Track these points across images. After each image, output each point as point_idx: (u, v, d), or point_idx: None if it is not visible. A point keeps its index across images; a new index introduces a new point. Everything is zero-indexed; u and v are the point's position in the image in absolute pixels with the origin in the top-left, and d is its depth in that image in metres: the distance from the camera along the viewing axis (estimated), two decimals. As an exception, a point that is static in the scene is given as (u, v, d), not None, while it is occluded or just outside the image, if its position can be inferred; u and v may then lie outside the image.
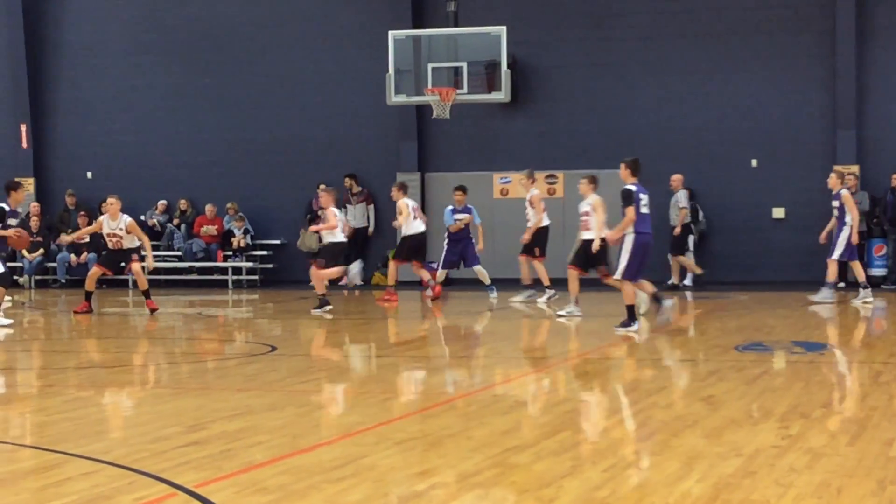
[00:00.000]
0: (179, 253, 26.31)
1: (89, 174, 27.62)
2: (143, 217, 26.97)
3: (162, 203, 26.93)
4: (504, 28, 22.77)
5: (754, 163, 24.39)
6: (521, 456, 7.47)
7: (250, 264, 25.94)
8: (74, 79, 27.50)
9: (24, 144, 27.52)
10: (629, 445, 8.03)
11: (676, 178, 23.10)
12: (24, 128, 27.49)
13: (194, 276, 26.24)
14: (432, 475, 6.97)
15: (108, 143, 27.35)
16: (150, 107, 27.15)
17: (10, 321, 16.83)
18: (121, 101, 27.23)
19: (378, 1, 26.04)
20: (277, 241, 26.22)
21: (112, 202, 18.80)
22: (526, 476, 6.97)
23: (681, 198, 23.09)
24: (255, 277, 26.13)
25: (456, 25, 23.30)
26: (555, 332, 16.49)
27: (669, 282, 23.63)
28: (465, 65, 23.35)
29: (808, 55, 24.27)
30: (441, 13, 23.80)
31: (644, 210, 15.01)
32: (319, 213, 25.86)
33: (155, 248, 26.68)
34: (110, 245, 19.00)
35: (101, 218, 19.25)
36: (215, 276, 25.88)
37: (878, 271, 23.44)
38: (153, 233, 26.84)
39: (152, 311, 18.77)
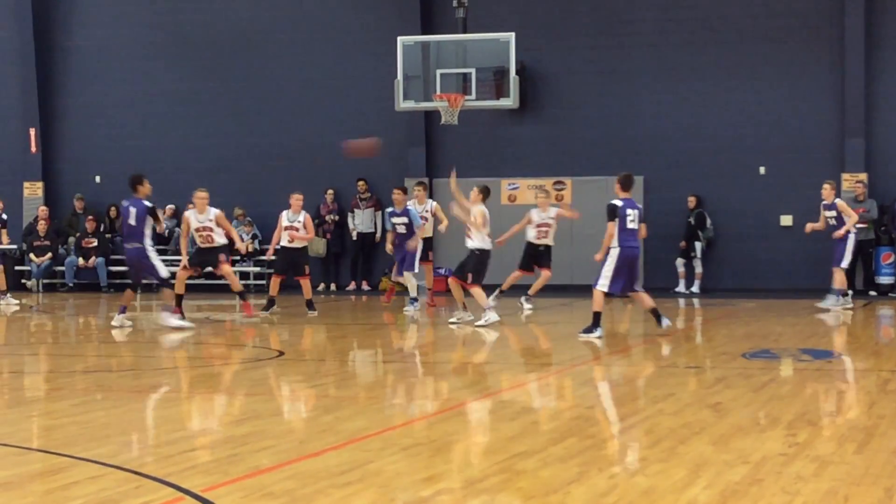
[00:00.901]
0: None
1: (98, 178, 27.67)
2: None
3: (170, 208, 26.95)
4: (513, 34, 22.78)
5: (762, 170, 24.38)
6: (527, 462, 7.46)
7: (258, 269, 25.95)
8: (83, 83, 27.56)
9: (33, 148, 27.58)
10: (636, 452, 8.02)
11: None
12: (33, 132, 27.56)
13: (202, 281, 26.23)
14: (438, 481, 6.97)
15: (117, 147, 27.39)
16: (158, 111, 27.19)
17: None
18: (129, 105, 27.28)
19: (387, 7, 26.07)
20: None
21: (202, 195, 18.32)
22: (532, 482, 6.96)
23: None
24: (263, 282, 26.13)
25: (465, 32, 23.32)
26: (561, 338, 16.47)
27: (680, 289, 23.67)
28: (473, 71, 23.36)
29: (816, 63, 24.25)
30: (450, 19, 23.82)
31: (631, 225, 15.08)
32: (328, 217, 25.92)
33: (162, 252, 26.73)
34: (199, 241, 18.40)
35: (187, 213, 18.65)
36: (223, 281, 25.85)
37: (885, 279, 23.39)
38: (160, 237, 26.86)
39: (248, 316, 18.62)
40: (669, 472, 7.27)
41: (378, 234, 26.00)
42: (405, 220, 19.58)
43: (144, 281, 17.28)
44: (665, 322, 15.47)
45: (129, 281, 18.13)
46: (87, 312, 21.66)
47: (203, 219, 18.23)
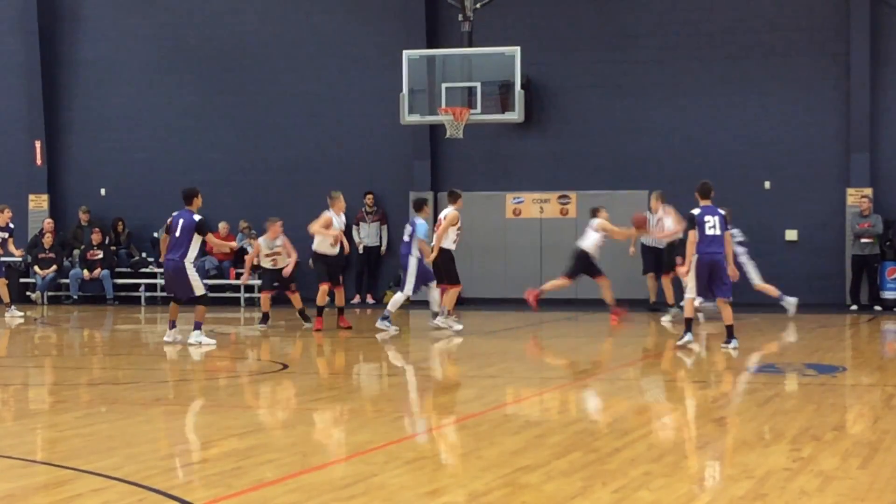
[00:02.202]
0: (192, 270, 26.30)
1: (103, 191, 27.71)
2: (155, 234, 27.05)
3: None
4: (518, 49, 22.78)
5: (767, 185, 24.38)
6: (531, 476, 7.47)
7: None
8: (89, 96, 27.62)
9: (39, 161, 27.63)
10: (640, 466, 8.02)
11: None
12: (38, 145, 27.61)
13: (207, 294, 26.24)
14: (442, 494, 6.97)
15: (122, 160, 27.44)
16: (163, 124, 27.24)
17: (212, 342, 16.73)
18: (135, 118, 27.33)
19: (393, 21, 26.12)
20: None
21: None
22: (536, 496, 6.96)
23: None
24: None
25: (470, 46, 23.35)
26: (565, 352, 16.47)
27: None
28: (478, 85, 23.36)
29: (821, 78, 24.26)
30: (455, 34, 23.86)
31: (710, 232, 15.31)
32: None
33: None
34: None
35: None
36: (228, 294, 25.90)
37: (891, 294, 23.36)
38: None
39: (317, 330, 18.74)
40: (673, 487, 7.27)
41: (384, 248, 26.01)
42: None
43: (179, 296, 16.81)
44: (732, 343, 15.40)
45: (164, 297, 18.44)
46: (92, 325, 21.68)
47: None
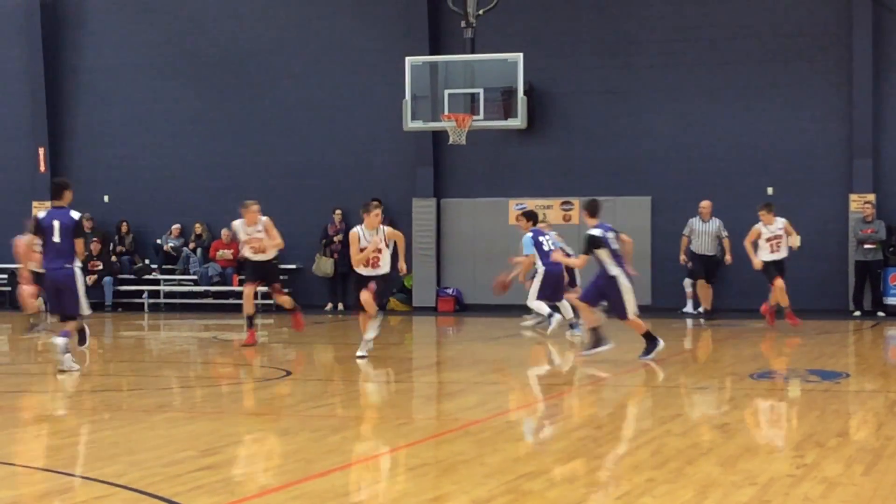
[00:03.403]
0: (195, 277, 26.36)
1: (106, 198, 27.72)
2: (158, 241, 27.08)
3: (176, 227, 27.00)
4: (521, 55, 22.80)
5: (770, 191, 24.34)
6: (534, 483, 7.45)
7: (265, 288, 25.92)
8: (92, 103, 27.64)
9: (42, 168, 27.64)
10: (643, 473, 8.00)
11: (706, 206, 22.33)
12: (42, 151, 27.63)
13: (210, 301, 26.30)
14: (445, 501, 6.96)
15: (125, 166, 27.45)
16: (167, 131, 27.26)
17: None
18: (138, 125, 27.35)
19: (395, 27, 26.14)
20: (293, 266, 26.23)
21: (253, 207, 16.82)
22: (539, 503, 6.95)
23: (720, 227, 22.32)
24: (271, 302, 26.15)
25: (473, 52, 23.36)
26: (568, 358, 16.45)
27: (688, 309, 23.63)
28: (481, 91, 23.37)
29: (824, 83, 24.26)
30: (458, 40, 23.86)
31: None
32: (336, 237, 25.90)
33: (170, 272, 26.79)
34: (249, 254, 16.90)
35: (235, 225, 17.18)
36: (231, 301, 25.90)
37: (893, 300, 23.34)
38: (168, 257, 26.91)
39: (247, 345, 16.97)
40: (677, 493, 7.26)
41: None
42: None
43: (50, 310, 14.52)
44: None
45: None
46: (94, 331, 21.66)
47: (252, 230, 16.76)
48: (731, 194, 24.22)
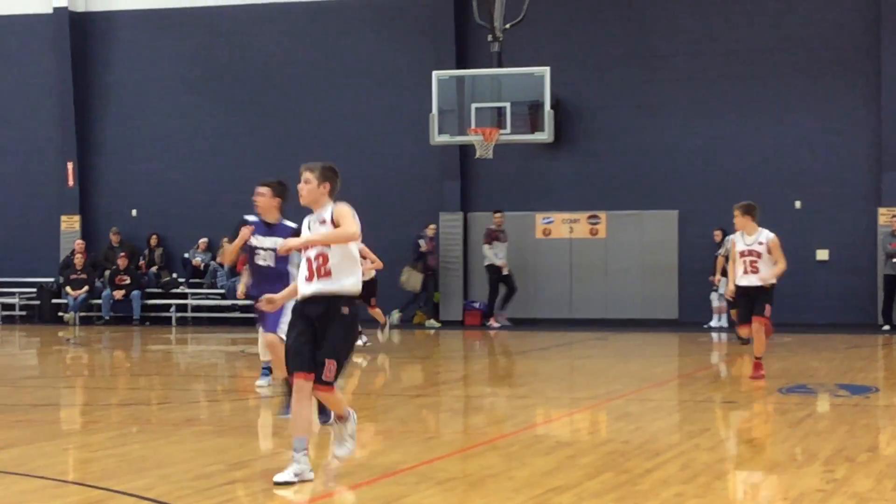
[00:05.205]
0: (222, 291, 26.43)
1: (134, 212, 27.85)
2: (186, 255, 27.18)
3: (203, 241, 27.09)
4: (548, 69, 22.82)
5: (798, 204, 24.28)
6: (562, 497, 7.44)
7: (293, 302, 25.90)
8: (121, 118, 27.80)
9: (71, 182, 27.82)
10: (672, 487, 7.99)
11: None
12: (70, 166, 27.80)
13: (237, 314, 26.36)
14: (474, 515, 6.95)
15: (153, 181, 27.58)
16: (194, 145, 27.37)
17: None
18: (166, 139, 27.48)
19: (422, 41, 26.18)
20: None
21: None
22: (568, 517, 6.93)
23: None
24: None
25: (500, 66, 23.39)
26: (595, 372, 16.43)
27: (714, 324, 23.53)
28: (508, 105, 23.39)
29: (852, 97, 24.17)
30: (485, 54, 23.88)
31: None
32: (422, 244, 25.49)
33: (198, 286, 26.89)
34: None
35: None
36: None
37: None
38: (196, 271, 27.01)
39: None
40: (706, 508, 7.25)
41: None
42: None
43: None
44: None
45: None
46: (123, 345, 21.76)
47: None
48: (759, 205, 24.09)
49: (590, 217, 25.21)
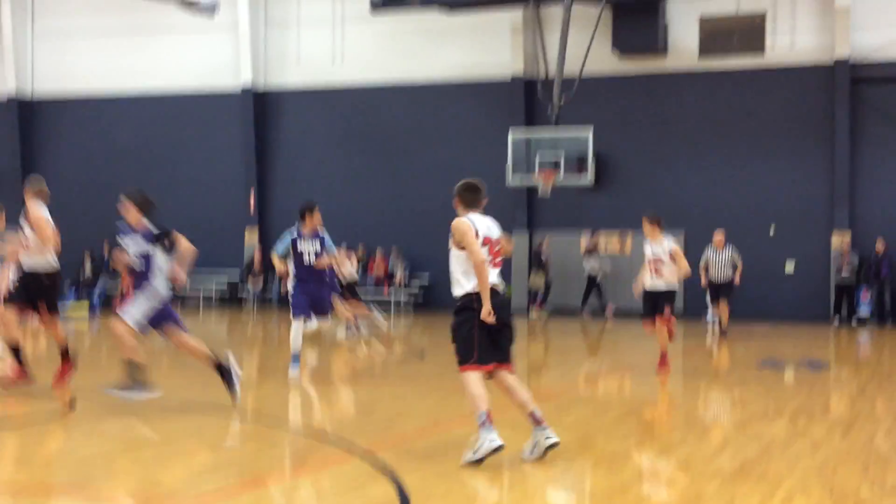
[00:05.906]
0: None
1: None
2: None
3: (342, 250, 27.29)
4: (591, 128, 22.83)
5: (771, 231, 24.06)
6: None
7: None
8: (287, 164, 28.15)
9: (252, 208, 28.29)
10: (676, 433, 8.03)
11: (720, 239, 19.18)
12: (252, 197, 28.22)
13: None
14: None
15: (309, 208, 27.76)
16: (340, 182, 27.63)
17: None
18: (317, 179, 27.70)
19: (501, 108, 26.22)
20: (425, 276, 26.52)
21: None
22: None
23: (735, 255, 18.98)
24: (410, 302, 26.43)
25: (556, 124, 23.47)
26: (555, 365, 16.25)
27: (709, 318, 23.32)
28: (562, 156, 23.46)
29: (813, 150, 23.89)
30: (546, 119, 24.01)
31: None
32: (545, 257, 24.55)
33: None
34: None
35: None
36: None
37: (864, 312, 22.91)
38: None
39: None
40: (701, 446, 7.30)
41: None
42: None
43: None
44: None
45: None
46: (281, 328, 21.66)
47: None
48: (742, 229, 23.97)
49: (619, 236, 25.15)
